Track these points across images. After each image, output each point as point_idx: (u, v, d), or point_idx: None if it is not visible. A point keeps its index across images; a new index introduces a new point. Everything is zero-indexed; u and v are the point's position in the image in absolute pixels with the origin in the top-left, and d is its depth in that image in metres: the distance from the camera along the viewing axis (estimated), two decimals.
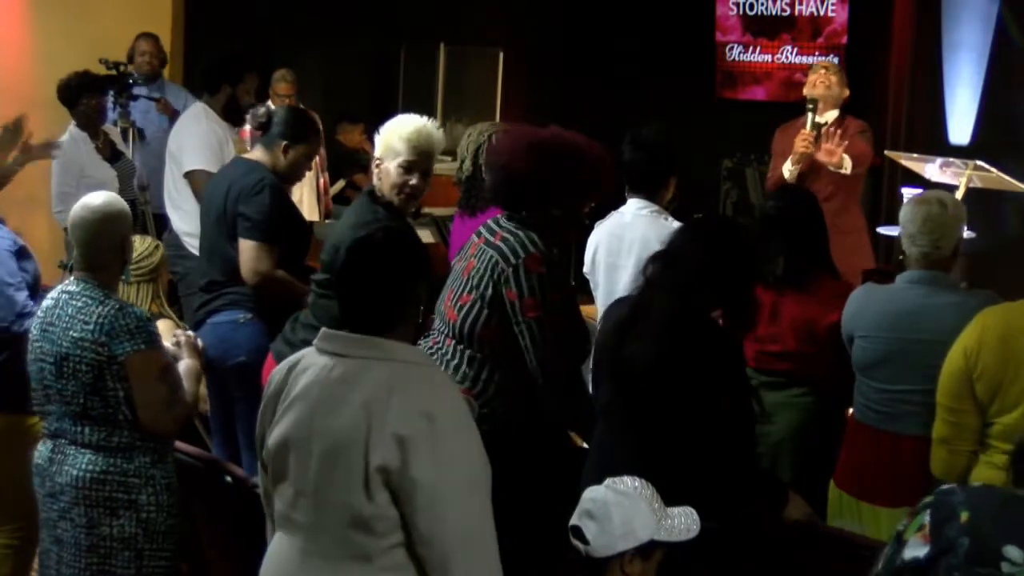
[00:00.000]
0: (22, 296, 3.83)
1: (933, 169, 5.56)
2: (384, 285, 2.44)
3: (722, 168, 8.16)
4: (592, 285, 4.39)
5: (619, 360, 2.96)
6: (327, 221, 7.24)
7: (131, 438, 3.24)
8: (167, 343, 3.49)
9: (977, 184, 5.38)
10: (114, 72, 6.24)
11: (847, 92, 5.48)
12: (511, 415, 3.24)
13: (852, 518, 3.49)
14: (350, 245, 2.52)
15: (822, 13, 8.15)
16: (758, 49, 8.54)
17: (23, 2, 7.36)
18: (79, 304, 3.23)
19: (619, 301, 3.34)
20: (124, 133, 6.18)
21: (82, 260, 3.31)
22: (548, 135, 3.36)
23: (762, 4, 8.45)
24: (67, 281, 3.35)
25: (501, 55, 9.24)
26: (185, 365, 3.51)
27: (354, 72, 9.53)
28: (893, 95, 7.49)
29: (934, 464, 3.24)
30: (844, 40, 8.01)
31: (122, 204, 3.39)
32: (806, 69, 6.24)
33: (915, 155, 5.89)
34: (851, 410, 3.61)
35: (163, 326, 3.73)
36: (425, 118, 3.84)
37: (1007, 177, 5.32)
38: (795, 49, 8.33)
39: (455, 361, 3.27)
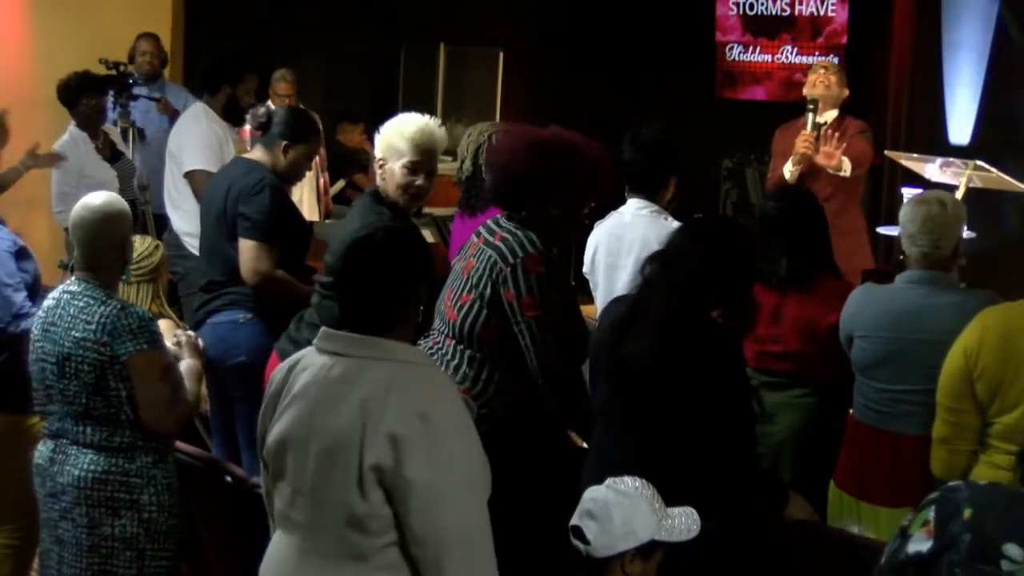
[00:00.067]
0: (20, 297, 3.83)
1: (933, 169, 5.56)
2: (384, 285, 2.44)
3: (722, 168, 8.16)
4: (592, 285, 4.39)
5: (617, 360, 2.96)
6: (327, 221, 7.24)
7: (133, 438, 3.24)
8: (168, 343, 3.49)
9: (977, 184, 5.38)
10: (114, 72, 6.24)
11: (847, 92, 5.48)
12: (511, 415, 3.24)
13: (852, 518, 3.49)
14: (350, 245, 2.53)
15: (822, 13, 8.15)
16: (758, 49, 8.55)
17: (23, 2, 7.36)
18: (81, 304, 3.23)
19: (617, 300, 3.34)
20: (124, 133, 6.19)
21: (83, 260, 3.31)
22: (548, 135, 3.36)
23: (762, 4, 8.45)
24: (68, 281, 3.35)
25: (501, 55, 9.24)
26: (186, 365, 3.52)
27: (354, 72, 9.53)
28: (893, 95, 7.49)
29: (934, 464, 3.24)
30: (844, 40, 8.01)
31: (122, 204, 3.39)
32: (806, 69, 6.23)
33: (915, 155, 5.89)
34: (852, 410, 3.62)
35: (163, 326, 3.73)
36: (427, 116, 3.84)
37: (1007, 177, 5.32)
38: (795, 49, 8.33)
39: (455, 361, 3.27)
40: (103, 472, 3.21)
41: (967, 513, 1.45)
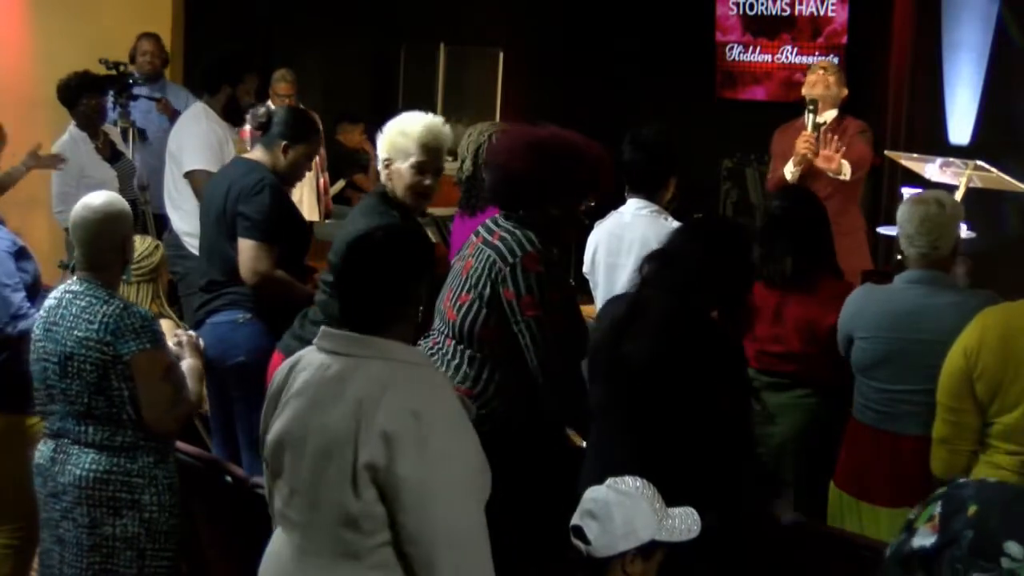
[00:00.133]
0: (18, 297, 3.82)
1: (933, 169, 5.56)
2: (381, 284, 2.44)
3: (722, 168, 8.16)
4: (592, 285, 4.39)
5: (616, 359, 2.96)
6: (327, 221, 7.25)
7: (135, 437, 3.24)
8: (169, 343, 3.49)
9: (977, 184, 5.38)
10: (114, 72, 6.24)
11: (845, 91, 5.48)
12: (511, 414, 3.23)
13: (852, 518, 3.49)
14: (349, 244, 2.53)
15: (822, 13, 8.15)
16: (758, 49, 8.55)
17: (23, 2, 7.36)
18: (83, 304, 3.23)
19: (616, 299, 3.34)
20: (124, 133, 6.19)
21: (83, 260, 3.31)
22: (546, 134, 3.35)
23: (762, 4, 8.45)
24: (70, 281, 3.35)
25: (501, 55, 9.24)
26: (187, 365, 3.52)
27: (354, 72, 9.53)
28: (893, 95, 7.49)
29: (934, 464, 3.24)
30: (844, 40, 8.01)
31: (123, 204, 3.40)
32: (806, 69, 6.23)
33: (915, 155, 5.89)
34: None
35: (164, 326, 3.72)
36: (431, 115, 3.83)
37: (1007, 177, 5.32)
38: (795, 49, 8.33)
39: (455, 361, 3.27)
40: (105, 472, 3.21)
41: (972, 510, 1.46)
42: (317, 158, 6.63)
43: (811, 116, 5.30)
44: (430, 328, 3.39)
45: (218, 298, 4.20)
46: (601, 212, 4.23)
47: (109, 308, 3.21)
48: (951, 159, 5.56)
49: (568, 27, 9.19)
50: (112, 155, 5.94)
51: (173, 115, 6.38)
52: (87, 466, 3.21)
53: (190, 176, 5.60)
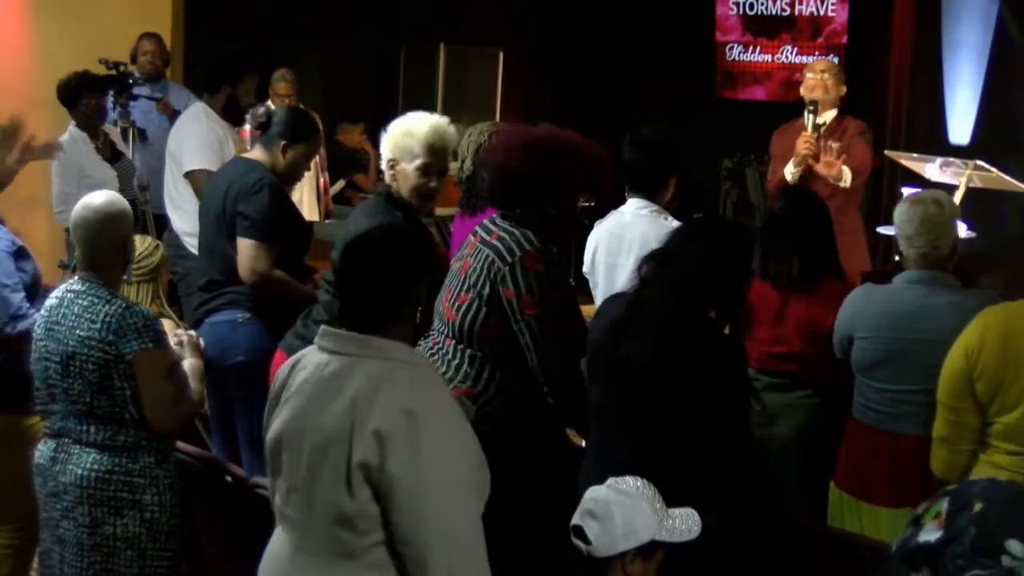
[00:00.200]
0: (17, 298, 3.82)
1: (933, 169, 5.56)
2: (380, 284, 2.44)
3: (722, 168, 8.16)
4: (591, 285, 4.39)
5: (615, 359, 2.96)
6: (327, 221, 7.25)
7: (136, 437, 3.24)
8: (169, 343, 3.49)
9: (977, 184, 5.39)
10: (114, 72, 6.24)
11: (844, 89, 5.49)
12: (512, 413, 3.23)
13: (852, 518, 3.49)
14: (348, 243, 2.54)
15: (822, 13, 8.15)
16: (758, 49, 8.55)
17: (23, 2, 7.36)
18: (85, 303, 3.23)
19: (614, 298, 3.34)
20: (124, 133, 6.18)
21: (84, 260, 3.31)
22: (544, 134, 3.35)
23: (762, 4, 8.46)
24: (71, 280, 3.35)
25: (501, 55, 9.24)
26: (189, 364, 3.52)
27: (354, 72, 9.53)
28: (893, 95, 7.50)
29: (934, 463, 3.24)
30: (844, 40, 8.02)
31: (123, 204, 3.40)
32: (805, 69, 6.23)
33: (915, 155, 5.89)
34: None
35: (164, 326, 3.73)
36: (436, 116, 3.82)
37: (1007, 177, 5.32)
38: (795, 49, 8.33)
39: (456, 360, 3.27)
40: (106, 471, 3.21)
41: (977, 507, 1.47)
42: (317, 158, 6.64)
43: (811, 117, 5.30)
44: (430, 329, 3.39)
45: (217, 298, 4.20)
46: (601, 212, 4.23)
47: (111, 308, 3.21)
48: (951, 159, 5.56)
49: (568, 27, 9.20)
50: (112, 155, 5.94)
51: (173, 115, 6.38)
52: (89, 466, 3.21)
53: (191, 176, 5.60)
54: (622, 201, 4.22)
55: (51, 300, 3.33)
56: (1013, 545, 1.43)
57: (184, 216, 5.63)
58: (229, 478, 3.57)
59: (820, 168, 5.19)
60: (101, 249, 3.30)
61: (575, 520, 2.48)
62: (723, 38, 8.70)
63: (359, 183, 8.54)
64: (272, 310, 4.14)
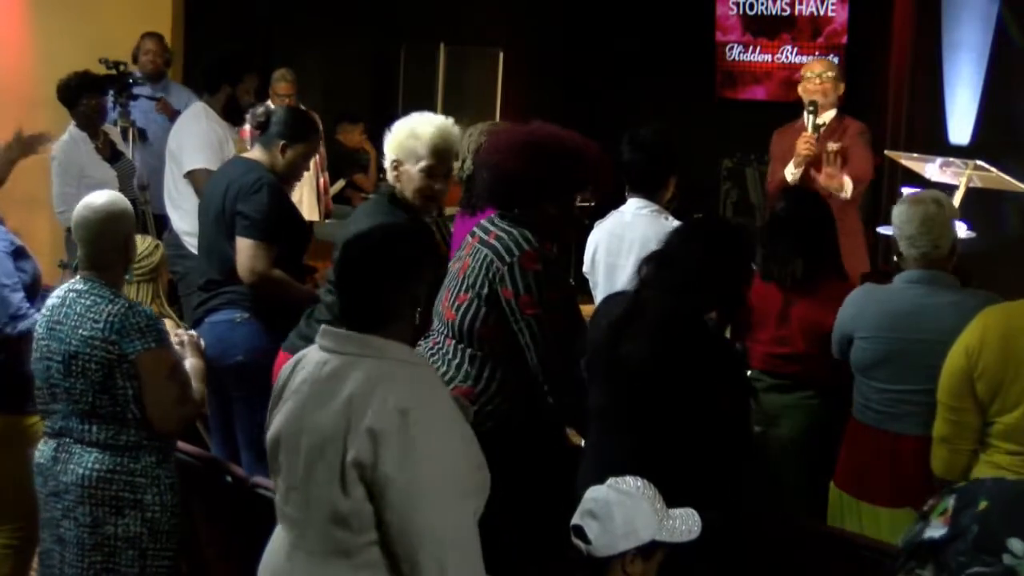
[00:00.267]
0: (17, 298, 3.81)
1: (933, 169, 5.56)
2: (379, 283, 2.44)
3: (722, 168, 8.16)
4: (592, 285, 4.39)
5: (614, 360, 2.96)
6: (327, 221, 7.25)
7: (138, 437, 3.24)
8: None
9: (977, 184, 5.38)
10: (114, 72, 6.24)
11: (842, 87, 5.49)
12: (513, 412, 3.23)
13: (852, 518, 3.49)
14: (347, 243, 2.54)
15: (822, 13, 8.15)
16: (758, 49, 8.55)
17: (23, 2, 7.36)
18: (88, 303, 3.23)
19: (612, 297, 3.34)
20: (124, 133, 6.18)
21: (86, 259, 3.31)
22: (537, 132, 3.33)
23: (762, 4, 8.46)
24: (73, 280, 3.35)
25: (501, 55, 9.24)
26: (190, 364, 3.52)
27: (354, 72, 9.53)
28: (893, 95, 7.50)
29: (935, 463, 3.24)
30: (844, 40, 8.02)
31: (125, 203, 3.40)
32: None
33: (915, 155, 5.89)
34: None
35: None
36: (441, 117, 3.81)
37: (1007, 177, 5.32)
38: (795, 49, 8.33)
39: (456, 360, 3.27)
40: (108, 471, 3.21)
41: (982, 505, 1.48)
42: (317, 158, 6.64)
43: (811, 117, 5.30)
44: (429, 329, 3.39)
45: (216, 297, 4.20)
46: (601, 212, 4.22)
47: (114, 307, 3.21)
48: (951, 159, 5.56)
49: (568, 27, 9.19)
50: (112, 155, 5.94)
51: (173, 115, 6.38)
52: (90, 465, 3.21)
53: (191, 175, 5.60)
54: (622, 201, 4.22)
55: (53, 299, 3.33)
56: (1014, 543, 1.44)
57: (184, 216, 5.63)
58: (229, 478, 3.57)
59: (822, 180, 5.20)
60: (103, 249, 3.30)
61: (575, 520, 2.48)
62: (723, 38, 8.70)
63: (359, 183, 8.54)
64: (271, 310, 4.14)
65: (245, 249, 4.07)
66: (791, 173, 5.28)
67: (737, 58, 8.66)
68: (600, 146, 3.37)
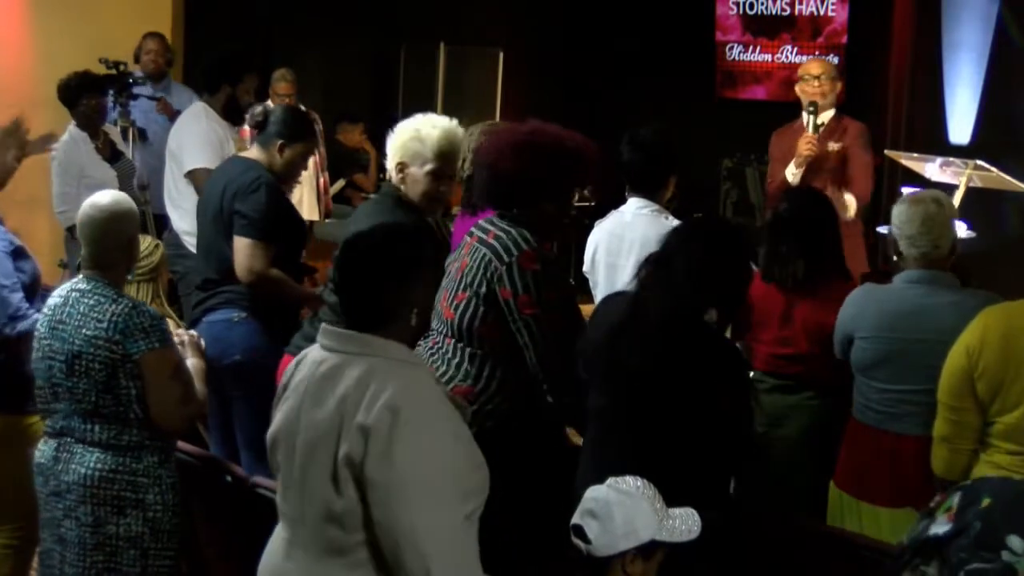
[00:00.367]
0: (16, 298, 3.81)
1: (933, 169, 5.56)
2: (378, 283, 2.44)
3: (722, 168, 8.16)
4: (592, 284, 4.39)
5: (614, 361, 2.96)
6: (327, 221, 7.25)
7: (140, 437, 3.25)
8: None
9: (977, 184, 5.38)
10: (114, 72, 6.24)
11: (840, 85, 5.48)
12: (513, 410, 3.23)
13: (852, 518, 3.49)
14: (346, 242, 2.54)
15: (822, 13, 8.15)
16: (758, 49, 8.55)
17: (23, 2, 7.36)
18: (91, 302, 3.23)
19: (611, 297, 3.34)
20: (124, 133, 6.18)
21: (90, 259, 3.32)
22: (531, 131, 3.33)
23: (762, 4, 8.46)
24: (76, 279, 3.35)
25: (501, 55, 9.24)
26: (190, 364, 3.52)
27: (354, 72, 9.53)
28: (893, 95, 7.49)
29: (935, 462, 3.24)
30: (844, 40, 8.01)
31: (129, 203, 3.40)
32: None
33: (915, 155, 5.89)
34: None
35: None
36: (445, 119, 3.80)
37: (1007, 177, 5.32)
38: (795, 49, 8.33)
39: (456, 359, 3.27)
40: (110, 471, 3.21)
41: (985, 502, 1.49)
42: (317, 158, 6.64)
43: (811, 118, 5.30)
44: (428, 330, 3.39)
45: (213, 297, 4.20)
46: (601, 212, 4.22)
47: (118, 307, 3.21)
48: (951, 159, 5.56)
49: (568, 27, 9.20)
50: (112, 155, 5.94)
51: (173, 115, 6.39)
52: (92, 465, 3.21)
53: (191, 175, 5.60)
54: (622, 201, 4.22)
55: (55, 299, 3.33)
56: (1014, 541, 1.44)
57: (184, 215, 5.63)
58: (229, 478, 3.58)
59: None
60: (107, 248, 3.30)
61: (575, 520, 2.48)
62: (723, 38, 8.70)
63: (359, 183, 8.54)
64: (269, 309, 4.14)
65: (243, 248, 4.07)
66: (792, 174, 5.28)
67: (737, 58, 8.66)
68: (599, 146, 3.37)
